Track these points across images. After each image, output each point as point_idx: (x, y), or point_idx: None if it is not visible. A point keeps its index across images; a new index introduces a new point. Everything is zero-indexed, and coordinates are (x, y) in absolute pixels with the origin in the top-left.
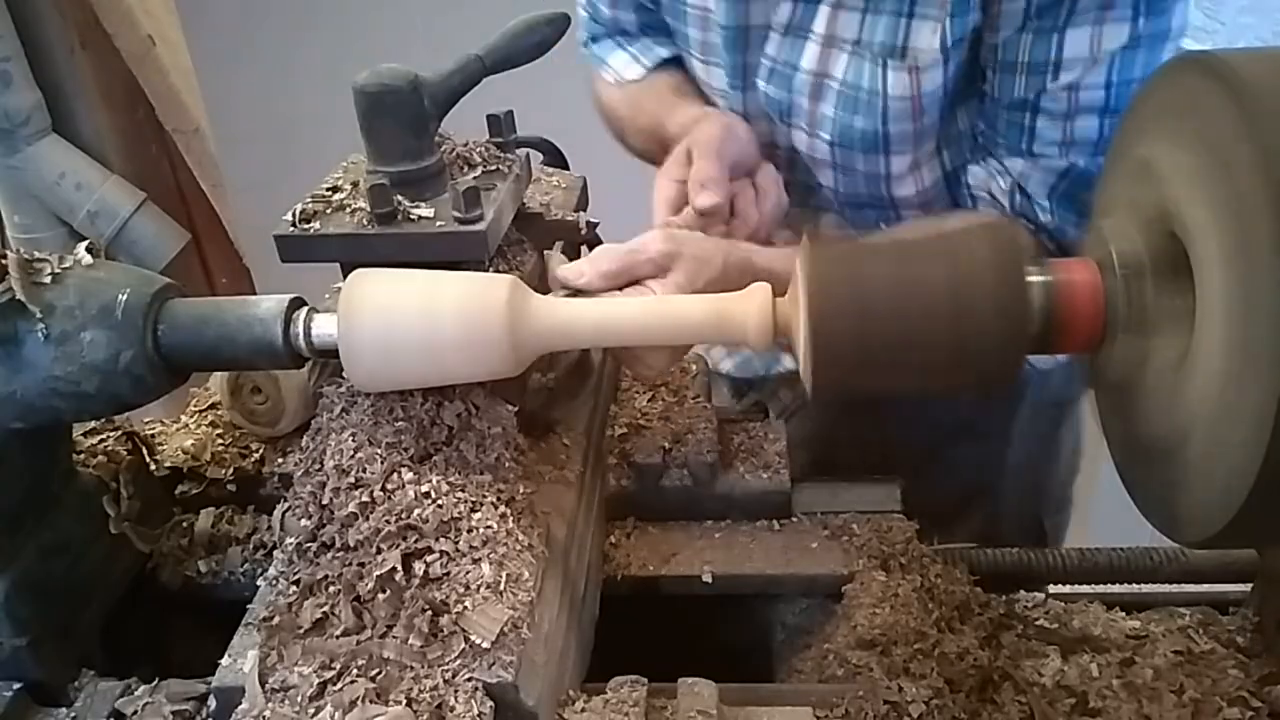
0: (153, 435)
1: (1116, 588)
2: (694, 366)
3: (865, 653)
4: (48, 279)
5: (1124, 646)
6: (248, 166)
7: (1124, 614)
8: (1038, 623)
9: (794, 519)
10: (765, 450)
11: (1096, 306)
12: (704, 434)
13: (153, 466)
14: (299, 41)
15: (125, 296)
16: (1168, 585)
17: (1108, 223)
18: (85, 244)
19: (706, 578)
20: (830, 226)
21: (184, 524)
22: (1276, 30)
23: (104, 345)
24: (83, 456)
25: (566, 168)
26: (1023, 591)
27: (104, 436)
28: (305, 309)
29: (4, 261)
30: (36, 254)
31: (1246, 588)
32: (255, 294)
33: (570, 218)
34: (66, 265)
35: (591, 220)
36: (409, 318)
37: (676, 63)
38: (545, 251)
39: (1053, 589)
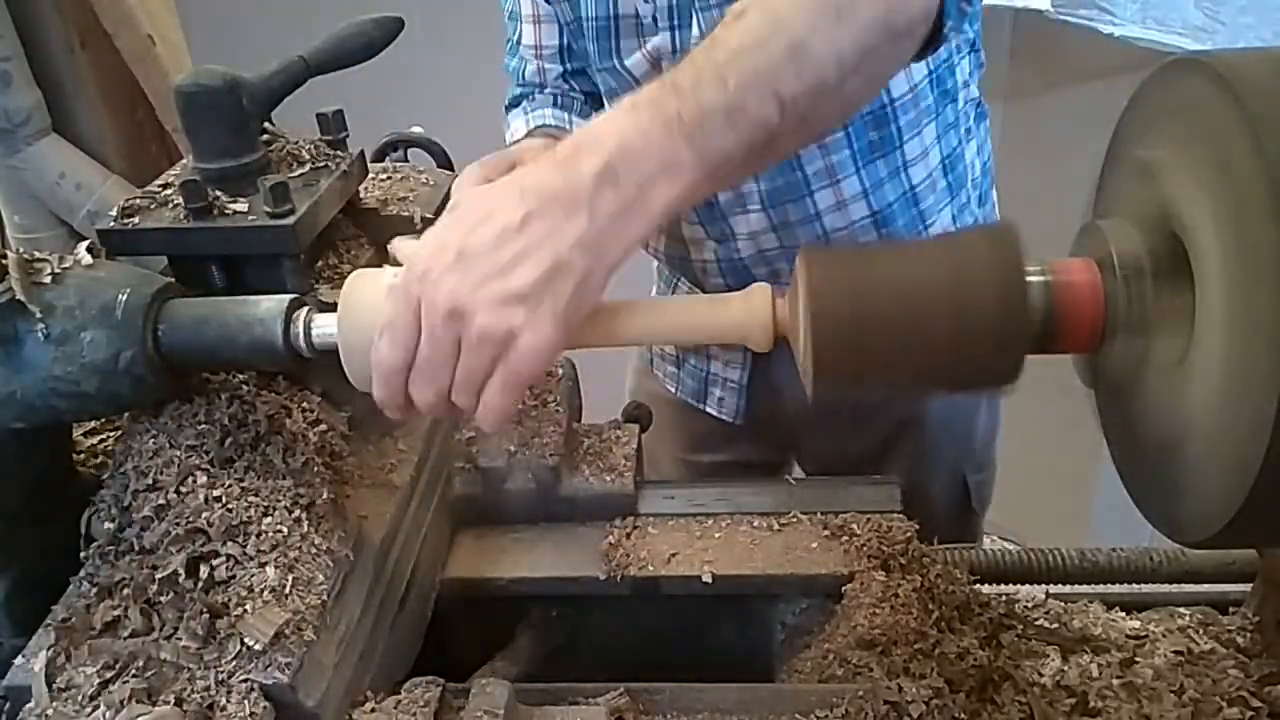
0: None
1: (1116, 588)
2: (560, 370)
3: (865, 653)
4: (48, 279)
5: (1124, 646)
6: None
7: (1124, 614)
8: (1038, 623)
9: (794, 519)
10: (613, 453)
11: (1096, 306)
12: (550, 437)
13: None
14: (298, 42)
15: (125, 296)
16: (1168, 585)
17: (1108, 223)
18: (85, 244)
19: (706, 578)
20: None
21: None
22: (1276, 30)
23: (104, 345)
24: (83, 456)
25: (450, 167)
26: (1023, 591)
27: (104, 436)
28: (305, 309)
29: (4, 261)
30: (36, 254)
31: (1246, 588)
32: None
33: (406, 213)
34: (66, 265)
35: (427, 216)
36: None
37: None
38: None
39: (1053, 589)
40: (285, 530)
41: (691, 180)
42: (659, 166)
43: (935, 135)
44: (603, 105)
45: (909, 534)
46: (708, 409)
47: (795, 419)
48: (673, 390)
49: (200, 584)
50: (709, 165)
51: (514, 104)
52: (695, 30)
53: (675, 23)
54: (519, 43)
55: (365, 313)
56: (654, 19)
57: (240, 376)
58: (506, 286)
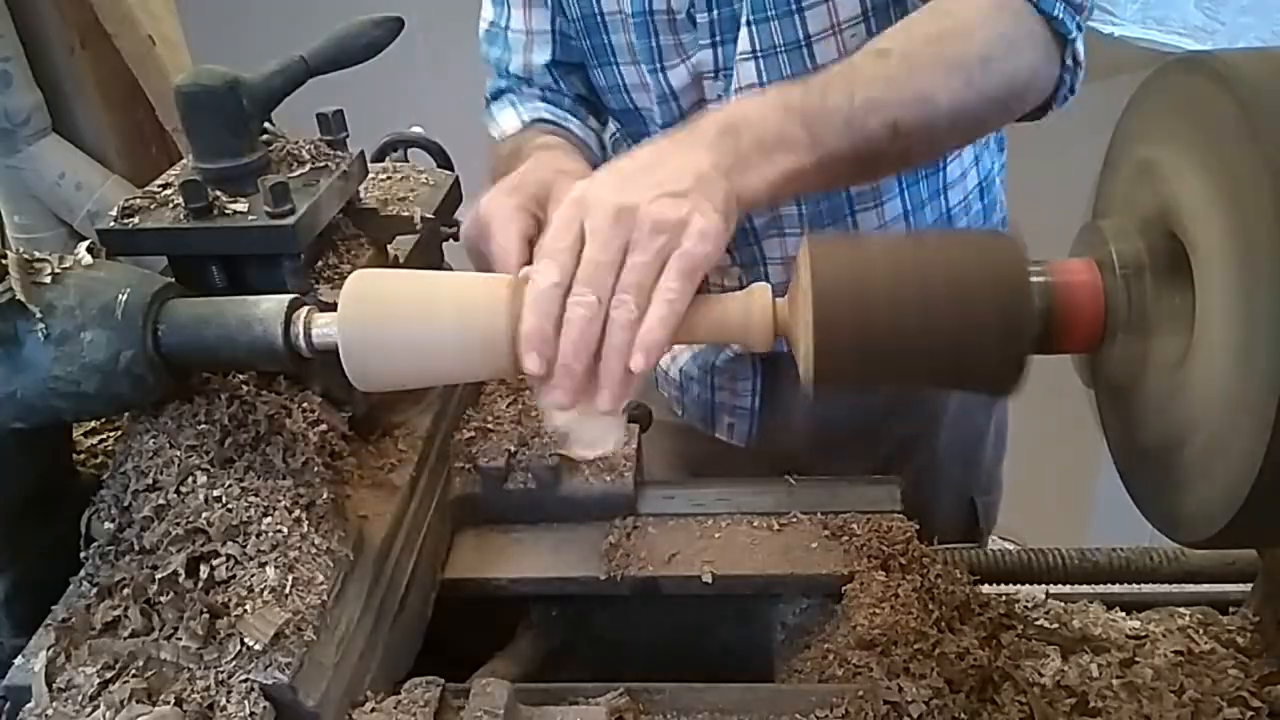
0: None
1: (1116, 588)
2: None
3: (865, 653)
4: (48, 279)
5: (1124, 646)
6: None
7: (1124, 614)
8: (1038, 623)
9: (794, 519)
10: (614, 453)
11: (1096, 306)
12: (550, 437)
13: None
14: (299, 42)
15: (125, 296)
16: (1168, 585)
17: (1108, 223)
18: (85, 244)
19: (706, 578)
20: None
21: None
22: (1276, 30)
23: (104, 345)
24: (83, 456)
25: (450, 167)
26: (1023, 591)
27: (104, 436)
28: (305, 309)
29: (4, 261)
30: (36, 254)
31: (1246, 588)
32: None
33: (406, 213)
34: (66, 265)
35: (427, 215)
36: (409, 317)
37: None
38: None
39: (1053, 589)
40: (285, 530)
41: (802, 161)
42: (775, 137)
43: (974, 157)
44: (591, 106)
45: (909, 534)
46: (718, 435)
47: (799, 440)
48: (679, 414)
49: (200, 584)
50: (819, 155)
51: (496, 96)
52: (745, 44)
53: (720, 38)
54: (506, 28)
55: (365, 313)
56: (700, 21)
57: (240, 376)
58: (666, 187)
